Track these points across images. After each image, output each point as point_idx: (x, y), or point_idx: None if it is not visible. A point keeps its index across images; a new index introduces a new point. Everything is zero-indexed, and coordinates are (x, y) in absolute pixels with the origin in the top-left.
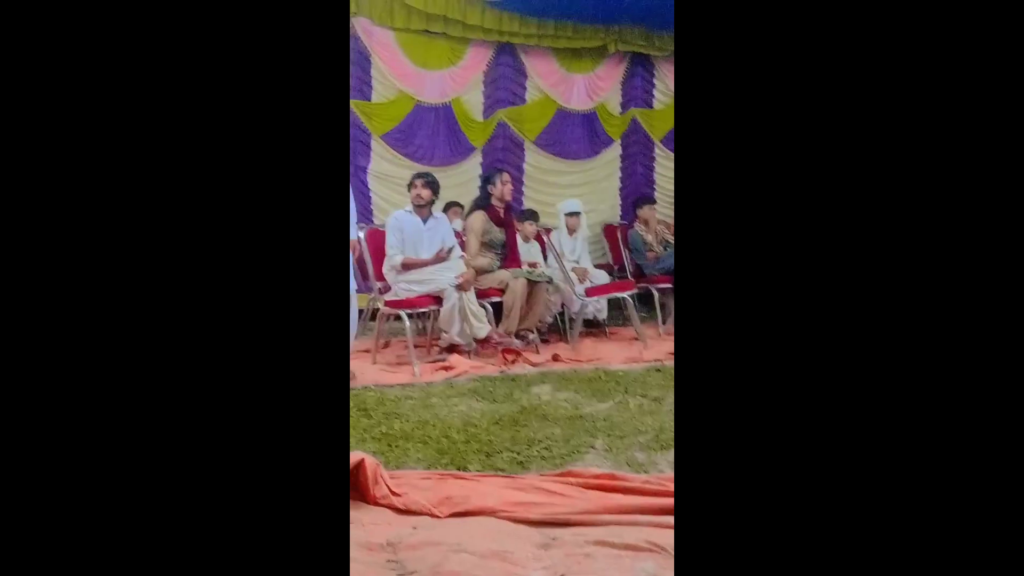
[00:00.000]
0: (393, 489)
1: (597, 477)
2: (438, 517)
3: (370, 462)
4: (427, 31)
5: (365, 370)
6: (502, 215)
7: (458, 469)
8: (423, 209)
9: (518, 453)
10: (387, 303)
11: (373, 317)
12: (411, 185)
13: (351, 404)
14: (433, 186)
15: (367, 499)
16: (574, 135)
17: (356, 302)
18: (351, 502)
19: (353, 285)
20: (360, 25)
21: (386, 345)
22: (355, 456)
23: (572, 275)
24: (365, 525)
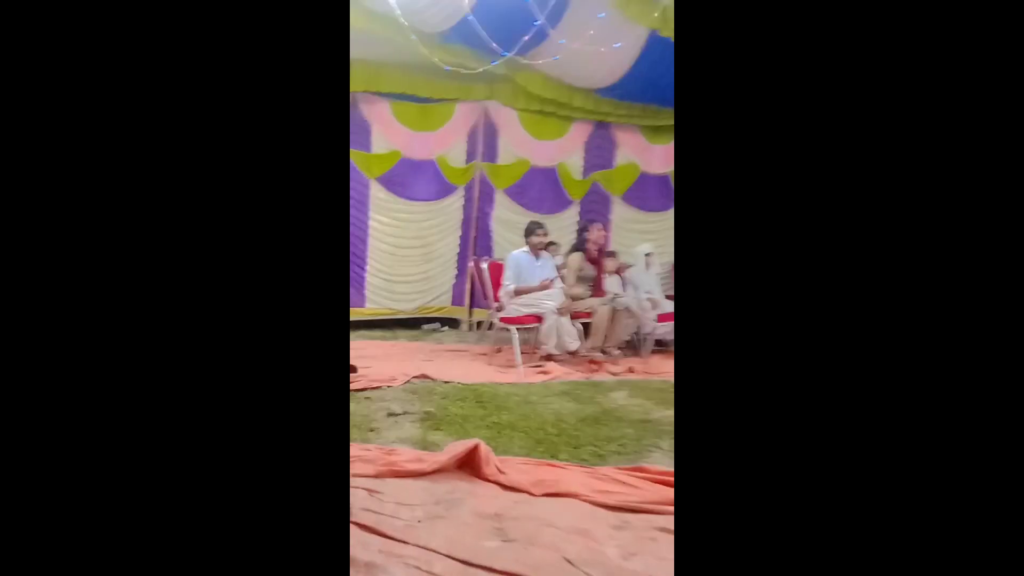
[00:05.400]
0: (500, 468)
1: (662, 473)
2: (533, 495)
3: (483, 447)
4: (541, 111)
5: (482, 370)
6: (595, 256)
7: (551, 457)
8: (537, 249)
9: (599, 447)
10: (502, 319)
11: (491, 328)
12: (533, 233)
13: (471, 396)
14: (548, 234)
15: (479, 476)
16: (652, 192)
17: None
18: (467, 480)
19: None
20: (491, 106)
21: (499, 351)
22: (471, 441)
23: (647, 304)
24: (478, 497)
